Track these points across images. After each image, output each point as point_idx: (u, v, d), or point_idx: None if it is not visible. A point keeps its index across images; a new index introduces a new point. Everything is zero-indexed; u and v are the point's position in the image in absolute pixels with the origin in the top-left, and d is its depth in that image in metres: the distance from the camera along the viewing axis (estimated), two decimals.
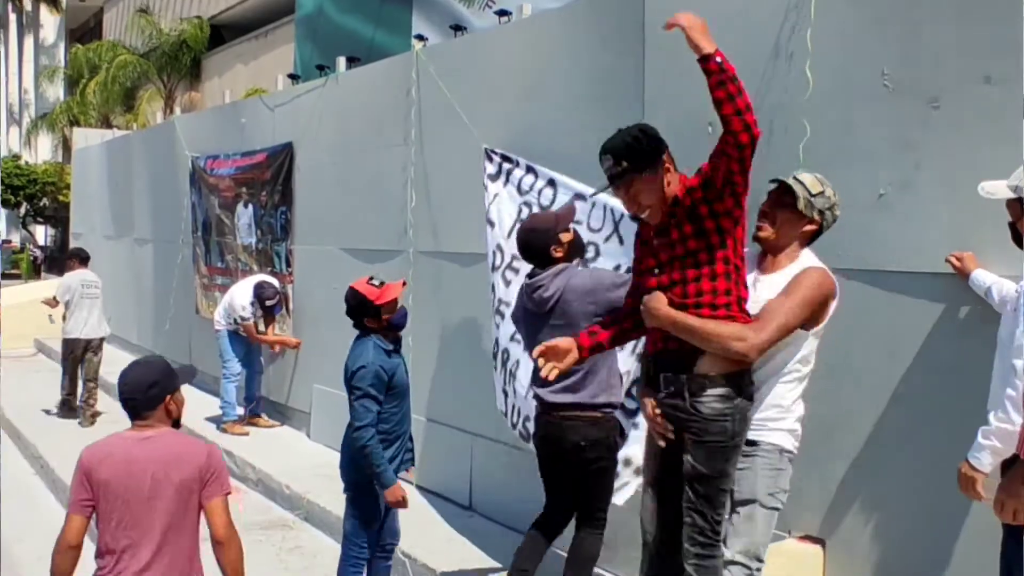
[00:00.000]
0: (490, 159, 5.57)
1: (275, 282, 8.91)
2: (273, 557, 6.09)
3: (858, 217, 4.01)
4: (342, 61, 8.35)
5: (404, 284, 4.78)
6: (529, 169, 5.29)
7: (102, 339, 10.31)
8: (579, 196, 4.83)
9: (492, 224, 5.48)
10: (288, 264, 9.05)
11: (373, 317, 4.59)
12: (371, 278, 4.68)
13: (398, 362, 4.64)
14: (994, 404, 3.03)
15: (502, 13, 6.56)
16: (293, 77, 10.07)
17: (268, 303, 8.57)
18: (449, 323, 6.32)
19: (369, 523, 4.66)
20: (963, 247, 3.65)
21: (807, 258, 3.40)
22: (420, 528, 5.85)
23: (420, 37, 7.40)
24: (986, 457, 2.99)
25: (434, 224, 6.75)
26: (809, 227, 3.38)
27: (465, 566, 5.37)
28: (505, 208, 5.40)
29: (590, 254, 4.71)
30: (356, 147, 7.81)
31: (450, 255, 6.45)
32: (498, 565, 5.34)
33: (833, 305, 3.37)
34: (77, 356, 10.13)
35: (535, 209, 5.16)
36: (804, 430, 4.25)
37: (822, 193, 3.37)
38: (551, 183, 5.10)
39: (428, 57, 6.83)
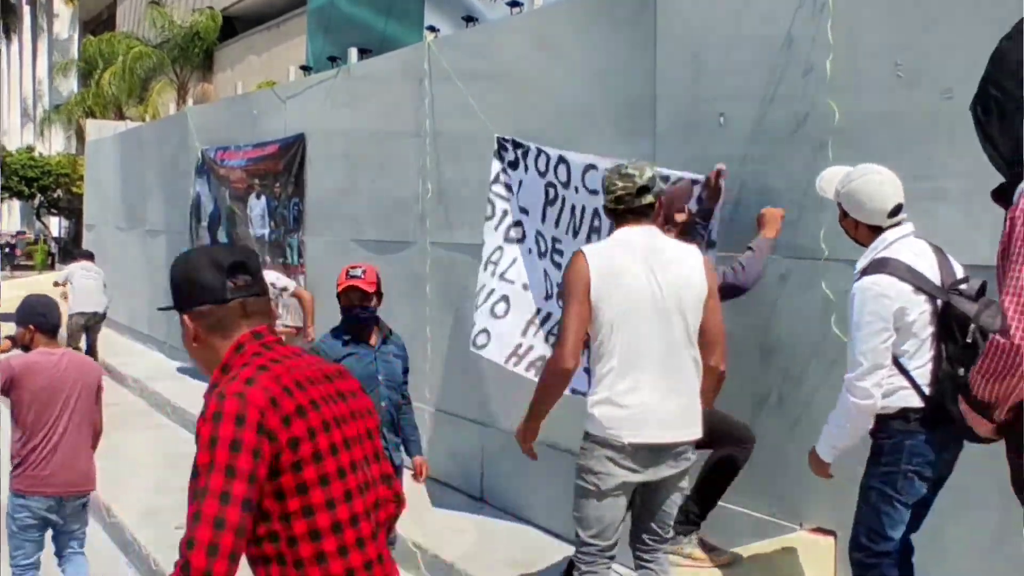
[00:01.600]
0: (504, 147, 5.56)
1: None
2: None
3: None
4: (354, 52, 8.35)
5: (355, 287, 4.52)
6: (540, 151, 5.29)
7: (103, 314, 11.95)
8: (591, 167, 4.84)
9: (526, 212, 5.44)
10: (300, 255, 9.07)
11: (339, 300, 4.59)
12: (356, 266, 4.62)
13: (351, 352, 4.49)
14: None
15: (514, 3, 6.53)
16: (305, 68, 10.08)
17: None
18: (461, 313, 6.31)
19: None
20: (972, 240, 3.61)
21: None
22: (431, 519, 5.87)
23: (432, 28, 7.40)
24: (830, 454, 3.46)
25: (448, 215, 6.76)
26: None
27: (476, 557, 5.38)
28: (533, 193, 5.38)
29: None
30: (369, 138, 7.82)
31: (463, 246, 6.45)
32: (509, 555, 5.36)
33: (572, 277, 3.45)
34: (80, 326, 11.68)
35: (559, 188, 5.15)
36: (815, 421, 4.24)
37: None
38: (562, 160, 5.11)
39: (440, 48, 6.83)
